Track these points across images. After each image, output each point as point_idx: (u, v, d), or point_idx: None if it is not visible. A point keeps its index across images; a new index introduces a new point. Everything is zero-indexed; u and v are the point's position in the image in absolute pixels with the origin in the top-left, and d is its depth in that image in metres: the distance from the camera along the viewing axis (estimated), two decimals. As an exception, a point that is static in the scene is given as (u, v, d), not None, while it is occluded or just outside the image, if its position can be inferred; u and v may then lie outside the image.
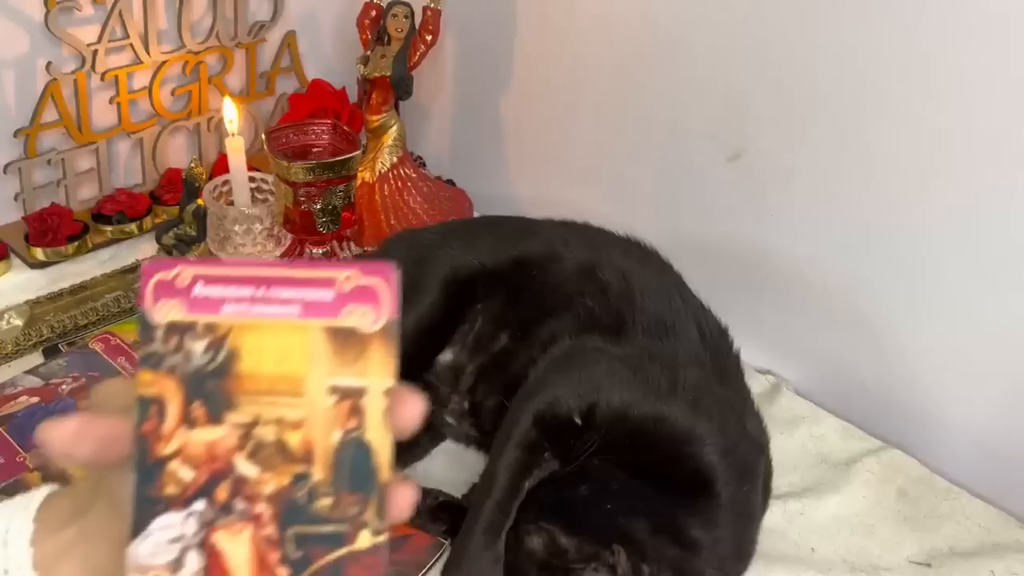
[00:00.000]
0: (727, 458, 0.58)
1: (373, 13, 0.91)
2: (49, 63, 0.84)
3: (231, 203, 0.80)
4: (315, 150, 0.87)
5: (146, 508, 0.32)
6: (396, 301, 0.31)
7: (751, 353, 0.73)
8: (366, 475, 0.31)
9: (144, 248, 0.90)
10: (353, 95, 0.99)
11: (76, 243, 0.88)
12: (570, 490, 0.57)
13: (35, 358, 0.77)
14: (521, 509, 0.57)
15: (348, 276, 0.32)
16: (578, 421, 0.59)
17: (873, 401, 0.78)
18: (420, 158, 1.08)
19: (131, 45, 0.88)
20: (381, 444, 0.31)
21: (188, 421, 0.32)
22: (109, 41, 0.86)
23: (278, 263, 0.31)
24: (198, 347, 0.32)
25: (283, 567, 0.31)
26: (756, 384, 0.78)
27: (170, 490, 0.31)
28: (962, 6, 0.65)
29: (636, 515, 0.56)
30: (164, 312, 0.32)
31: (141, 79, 0.91)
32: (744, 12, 0.76)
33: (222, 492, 0.31)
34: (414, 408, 0.32)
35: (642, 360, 0.62)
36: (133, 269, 0.87)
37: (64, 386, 0.71)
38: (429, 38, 0.90)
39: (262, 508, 0.31)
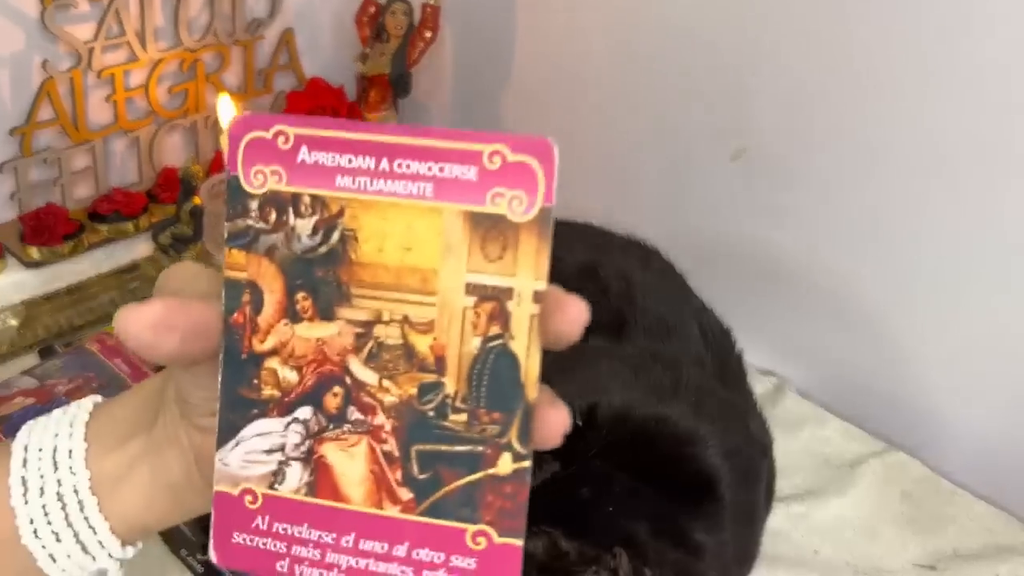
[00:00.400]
0: (730, 460, 0.58)
1: (372, 10, 0.90)
2: (45, 61, 0.84)
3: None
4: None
5: (237, 411, 0.27)
6: (553, 185, 0.26)
7: (754, 354, 0.73)
8: (509, 390, 0.26)
9: (140, 247, 0.90)
10: (351, 93, 0.99)
11: (72, 243, 0.87)
12: (571, 492, 0.57)
13: (31, 359, 0.76)
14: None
15: (496, 150, 0.26)
16: (579, 422, 0.59)
17: (877, 402, 0.78)
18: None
19: (127, 43, 0.88)
20: (528, 356, 0.26)
21: (291, 314, 0.27)
22: (105, 39, 0.86)
23: (407, 128, 0.26)
24: (304, 226, 0.27)
25: (405, 488, 0.27)
26: (759, 385, 0.78)
27: (268, 392, 0.27)
28: (965, 5, 0.64)
29: (638, 518, 0.56)
30: (260, 179, 0.27)
31: (137, 77, 0.91)
32: (746, 9, 0.76)
33: (333, 399, 0.27)
34: (573, 315, 0.27)
35: (644, 361, 0.61)
36: (130, 269, 0.87)
37: (60, 387, 0.71)
38: (428, 35, 0.90)
39: (381, 420, 0.27)
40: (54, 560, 0.31)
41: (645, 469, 0.59)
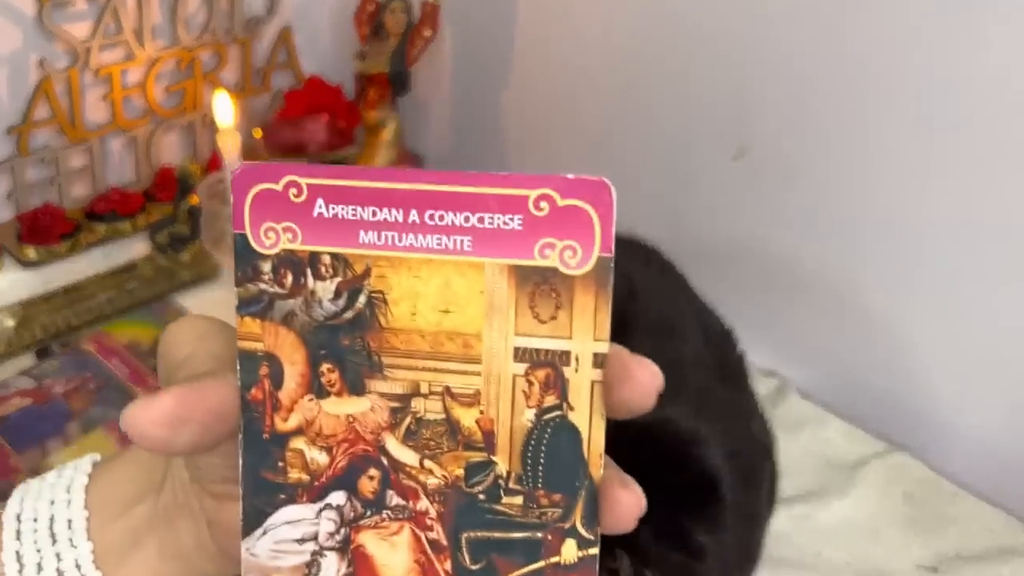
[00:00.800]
0: (732, 461, 0.58)
1: (371, 8, 0.90)
2: (42, 59, 0.83)
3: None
4: (310, 147, 0.86)
5: (262, 496, 0.25)
6: (611, 231, 0.23)
7: (756, 354, 0.73)
8: (571, 469, 0.24)
9: (138, 247, 0.89)
10: (350, 91, 0.98)
11: (69, 242, 0.87)
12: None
13: (28, 359, 0.76)
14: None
15: (544, 195, 0.23)
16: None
17: (879, 403, 0.77)
18: (418, 155, 1.08)
19: (125, 41, 0.87)
20: (591, 429, 0.24)
21: (316, 389, 0.24)
22: (103, 37, 0.86)
23: (439, 174, 0.23)
24: (325, 289, 0.24)
25: None
26: (761, 386, 0.77)
27: (295, 476, 0.25)
28: (967, 4, 0.64)
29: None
30: (272, 238, 0.24)
31: (135, 76, 0.91)
32: (748, 7, 0.76)
33: (369, 482, 0.24)
34: (644, 381, 0.24)
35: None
36: (127, 269, 0.86)
37: (58, 388, 0.70)
38: (428, 33, 0.89)
39: (425, 505, 0.24)
40: None
41: (646, 470, 0.58)
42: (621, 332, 0.70)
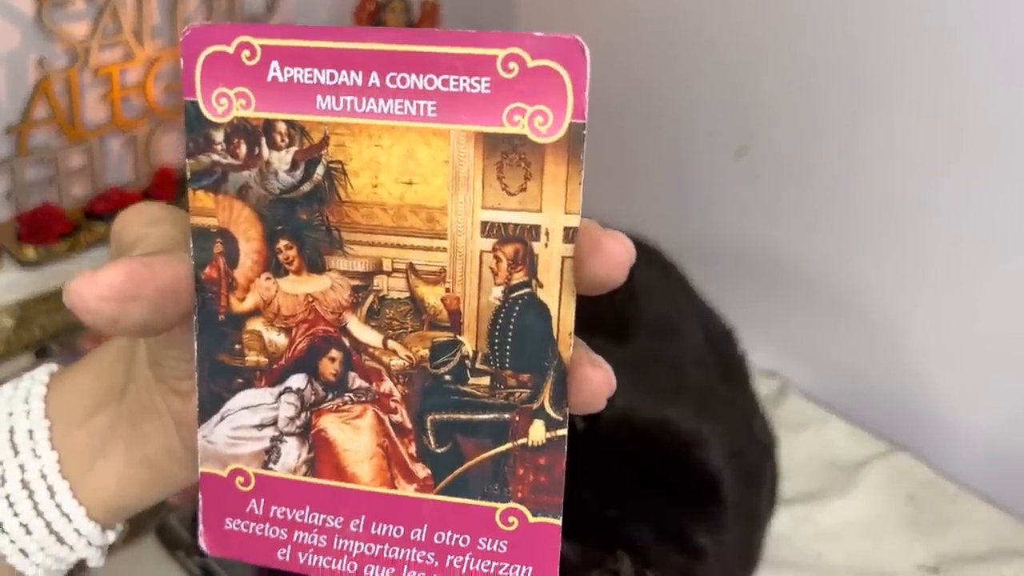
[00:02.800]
0: (733, 462, 0.57)
1: (370, 7, 0.90)
2: (41, 59, 0.83)
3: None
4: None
5: (219, 381, 0.24)
6: (585, 95, 0.22)
7: (757, 355, 0.72)
8: (539, 348, 0.23)
9: (138, 247, 0.89)
10: (350, 91, 0.98)
11: (68, 242, 0.87)
12: (572, 496, 0.56)
13: (27, 359, 0.76)
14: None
15: (513, 55, 0.21)
16: (579, 427, 0.58)
17: (881, 404, 0.77)
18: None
19: (124, 41, 0.87)
20: (561, 307, 0.23)
21: (273, 267, 0.23)
22: (102, 37, 0.85)
23: (400, 33, 0.21)
24: (281, 160, 0.22)
25: (421, 464, 0.24)
26: (762, 386, 0.77)
27: (253, 359, 0.24)
28: (969, 4, 0.64)
29: (640, 521, 0.55)
30: (224, 104, 0.22)
31: (134, 75, 0.90)
32: (749, 7, 0.76)
33: (330, 364, 0.24)
34: (615, 254, 0.22)
35: (646, 362, 0.61)
36: (126, 268, 0.86)
37: (55, 388, 0.70)
38: (428, 33, 0.89)
39: (389, 387, 0.24)
40: (26, 555, 0.28)
41: (647, 471, 0.58)
42: (622, 332, 0.70)
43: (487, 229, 0.22)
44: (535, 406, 0.23)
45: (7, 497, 0.27)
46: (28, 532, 0.28)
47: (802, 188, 0.77)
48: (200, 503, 0.25)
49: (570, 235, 0.22)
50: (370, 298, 0.23)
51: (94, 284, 0.22)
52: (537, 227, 0.22)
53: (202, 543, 0.25)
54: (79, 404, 0.28)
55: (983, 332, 0.70)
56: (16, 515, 0.27)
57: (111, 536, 0.30)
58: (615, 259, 0.23)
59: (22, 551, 0.28)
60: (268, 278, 0.23)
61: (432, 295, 0.23)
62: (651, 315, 0.65)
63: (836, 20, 0.71)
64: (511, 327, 0.23)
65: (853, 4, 0.70)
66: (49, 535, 0.28)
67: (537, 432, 0.23)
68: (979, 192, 0.67)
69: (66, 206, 0.89)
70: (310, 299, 0.23)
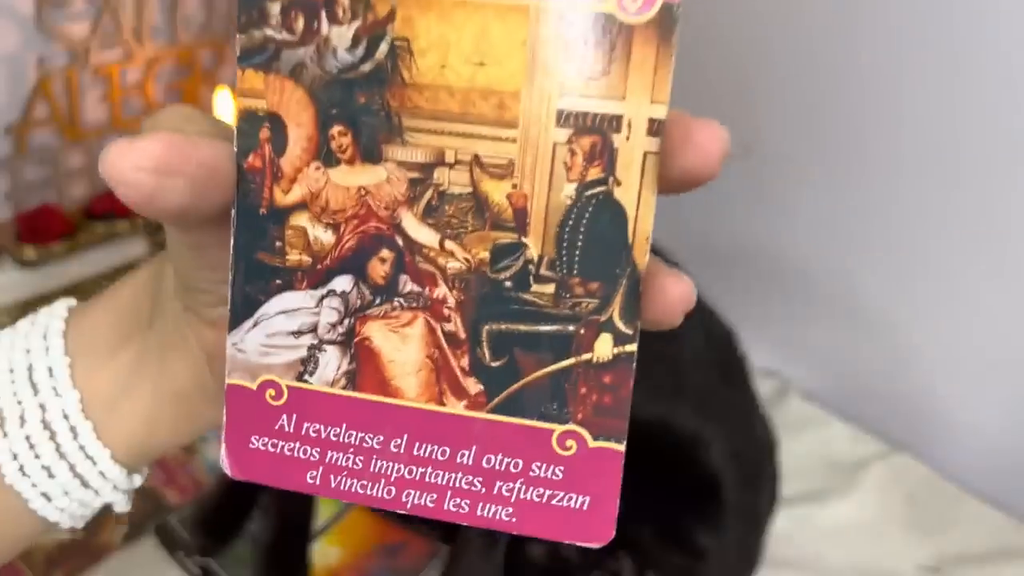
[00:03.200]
0: (734, 462, 0.57)
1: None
2: (41, 58, 0.83)
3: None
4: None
5: (256, 283, 0.22)
6: None
7: (757, 355, 0.72)
8: (612, 253, 0.20)
9: (137, 247, 0.89)
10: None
11: (68, 242, 0.86)
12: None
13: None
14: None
15: None
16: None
17: (882, 404, 0.77)
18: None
19: (124, 40, 0.87)
20: (640, 208, 0.20)
21: (324, 155, 0.21)
22: (102, 36, 0.85)
23: None
24: (342, 36, 0.20)
25: (473, 378, 0.21)
26: (762, 387, 0.77)
27: (295, 257, 0.21)
28: (971, 5, 0.64)
29: (640, 521, 0.55)
30: None
31: (133, 75, 0.90)
32: (752, 6, 0.75)
33: (380, 266, 0.21)
34: (707, 144, 0.20)
35: (646, 362, 0.61)
36: (126, 269, 0.86)
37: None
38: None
39: (443, 292, 0.21)
40: (49, 499, 0.26)
41: (647, 471, 0.58)
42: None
43: (563, 118, 0.20)
44: (603, 318, 0.21)
45: (28, 438, 0.26)
46: (51, 475, 0.26)
47: (803, 188, 0.77)
48: (225, 420, 0.23)
49: (655, 127, 0.20)
50: (429, 193, 0.21)
51: (132, 152, 0.20)
52: (619, 117, 0.20)
53: (224, 465, 0.23)
54: (102, 340, 0.27)
55: (983, 333, 0.70)
56: (37, 457, 0.26)
57: (137, 480, 0.28)
58: (709, 152, 0.20)
59: (45, 495, 0.26)
60: (318, 168, 0.21)
61: (497, 191, 0.21)
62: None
63: (838, 19, 0.71)
64: (582, 229, 0.20)
65: (856, 4, 0.70)
66: (73, 478, 0.26)
67: (603, 347, 0.21)
68: (980, 192, 0.67)
69: (66, 206, 0.89)
70: (362, 192, 0.21)
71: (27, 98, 0.83)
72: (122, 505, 0.28)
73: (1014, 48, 0.63)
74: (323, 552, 0.60)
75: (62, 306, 0.28)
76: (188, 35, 0.90)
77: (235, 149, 0.21)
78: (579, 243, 0.20)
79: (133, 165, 0.20)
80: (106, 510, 0.28)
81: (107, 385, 0.26)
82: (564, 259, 0.21)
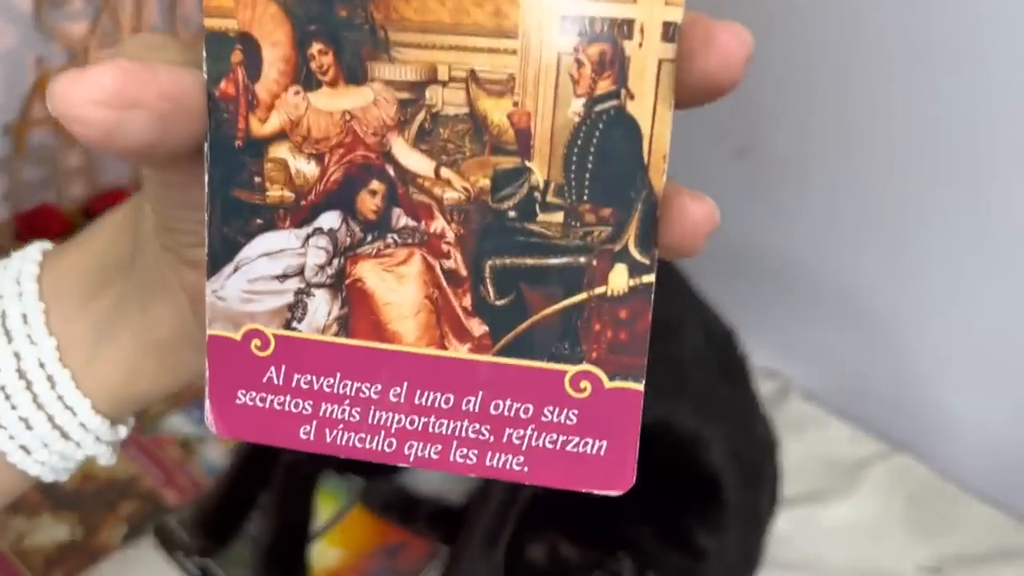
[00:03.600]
0: (734, 462, 0.57)
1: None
2: (40, 58, 0.83)
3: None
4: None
5: (234, 223, 0.20)
6: None
7: (758, 355, 0.72)
8: (625, 175, 0.18)
9: (136, 247, 0.89)
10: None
11: (66, 242, 0.86)
12: (572, 497, 0.56)
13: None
14: (522, 518, 0.55)
15: None
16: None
17: (882, 405, 0.77)
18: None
19: (122, 39, 0.87)
20: (656, 123, 0.18)
21: (303, 78, 0.19)
22: (100, 36, 0.85)
23: None
24: None
25: (477, 319, 0.20)
26: (763, 387, 0.77)
27: (276, 193, 0.19)
28: (971, 4, 0.64)
29: (641, 522, 0.55)
30: None
31: (133, 74, 0.90)
32: (750, 6, 0.75)
33: (370, 199, 0.19)
34: (729, 47, 0.19)
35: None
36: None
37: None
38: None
39: (440, 226, 0.19)
40: (28, 452, 0.25)
41: (648, 472, 0.58)
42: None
43: (568, 25, 0.18)
44: (617, 247, 0.19)
45: (3, 389, 0.24)
46: (28, 427, 0.25)
47: (803, 188, 0.77)
48: (207, 374, 0.21)
49: (671, 32, 0.18)
50: (421, 115, 0.19)
51: (84, 84, 0.18)
52: (630, 22, 0.18)
53: (209, 423, 0.21)
54: (78, 284, 0.25)
55: (984, 333, 0.70)
56: (14, 408, 0.25)
57: (122, 431, 0.27)
58: (732, 54, 0.19)
59: (23, 448, 0.25)
60: (297, 92, 0.19)
61: (497, 110, 0.18)
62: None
63: (837, 19, 0.71)
64: (592, 149, 0.18)
65: (855, 4, 0.70)
66: (52, 430, 0.25)
67: (618, 279, 0.19)
68: (980, 192, 0.67)
69: (64, 206, 0.89)
70: (347, 117, 0.19)
71: (26, 97, 0.83)
72: (106, 458, 0.27)
73: (1015, 47, 0.62)
74: (323, 553, 0.60)
75: (36, 249, 0.26)
76: (187, 34, 0.90)
77: (204, 76, 0.19)
78: (589, 165, 0.18)
79: (86, 99, 0.18)
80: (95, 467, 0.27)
81: (85, 332, 0.25)
82: (573, 184, 0.19)
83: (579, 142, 0.18)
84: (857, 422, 0.77)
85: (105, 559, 0.57)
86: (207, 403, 0.21)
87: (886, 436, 0.76)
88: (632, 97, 0.18)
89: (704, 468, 0.57)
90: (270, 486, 0.60)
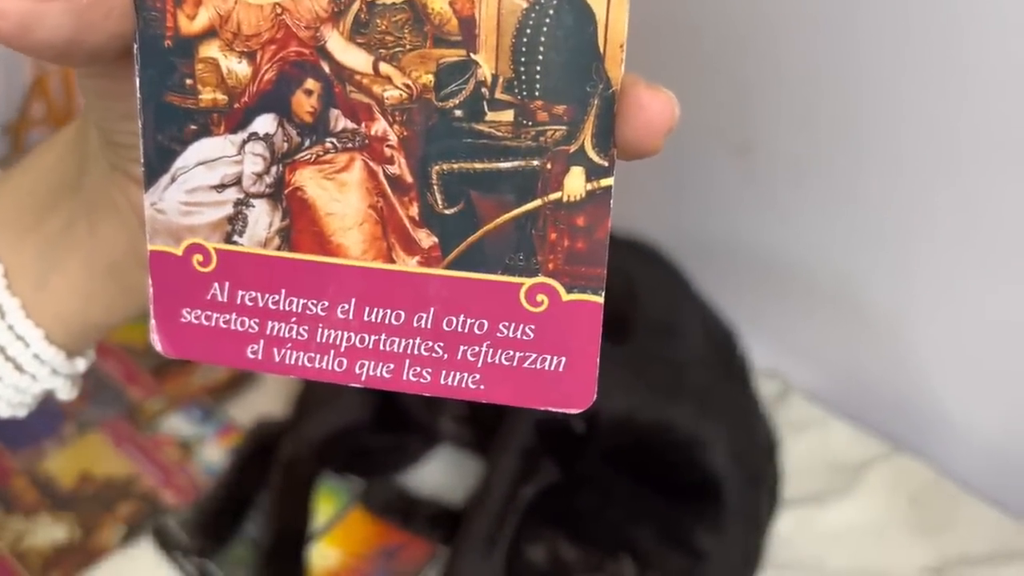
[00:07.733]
0: (735, 463, 0.57)
1: (369, 6, 0.89)
2: (37, 57, 0.83)
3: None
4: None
5: (167, 129, 0.18)
6: None
7: (758, 355, 0.72)
8: (580, 68, 0.17)
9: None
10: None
11: (65, 241, 0.86)
12: (572, 499, 0.56)
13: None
14: (522, 519, 0.55)
15: None
16: (580, 429, 0.58)
17: (884, 405, 0.77)
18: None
19: (121, 39, 0.87)
20: (611, 6, 0.17)
21: None
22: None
23: None
24: None
25: (425, 229, 0.18)
26: (764, 388, 0.77)
27: (209, 96, 0.18)
28: (973, 3, 0.64)
29: (641, 523, 0.55)
30: None
31: (132, 74, 0.90)
32: (750, 5, 0.75)
33: (305, 100, 0.18)
34: (657, 116, 0.18)
35: (646, 362, 0.61)
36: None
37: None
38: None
39: (382, 128, 0.18)
40: None
41: (648, 473, 0.58)
42: (621, 332, 0.69)
43: None
44: (572, 148, 0.18)
45: None
46: None
47: (803, 187, 0.77)
48: (150, 291, 0.20)
49: None
50: (356, 5, 0.17)
51: None
52: None
53: (155, 342, 0.20)
54: (24, 208, 0.24)
55: (986, 333, 0.70)
56: None
57: (81, 364, 0.26)
58: (655, 123, 0.18)
59: None
60: None
61: (438, 0, 0.17)
62: (651, 315, 0.65)
63: (837, 18, 0.71)
64: (542, 38, 0.17)
65: (854, 4, 0.70)
66: (4, 362, 0.24)
67: (575, 183, 0.18)
68: (981, 192, 0.67)
69: (63, 205, 0.89)
70: (278, 10, 0.17)
71: (24, 97, 0.83)
72: (65, 392, 0.26)
73: (1016, 47, 0.62)
74: (321, 554, 0.60)
75: None
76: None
77: None
78: (539, 57, 0.17)
79: None
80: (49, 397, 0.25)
81: (34, 257, 0.23)
82: (523, 78, 0.17)
83: (528, 31, 0.17)
84: (858, 423, 0.77)
85: (103, 560, 0.57)
86: (151, 321, 0.20)
87: (887, 437, 0.76)
88: None
89: (705, 469, 0.57)
90: (269, 486, 0.60)
